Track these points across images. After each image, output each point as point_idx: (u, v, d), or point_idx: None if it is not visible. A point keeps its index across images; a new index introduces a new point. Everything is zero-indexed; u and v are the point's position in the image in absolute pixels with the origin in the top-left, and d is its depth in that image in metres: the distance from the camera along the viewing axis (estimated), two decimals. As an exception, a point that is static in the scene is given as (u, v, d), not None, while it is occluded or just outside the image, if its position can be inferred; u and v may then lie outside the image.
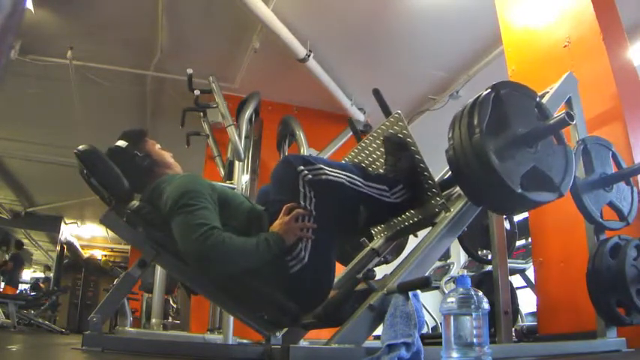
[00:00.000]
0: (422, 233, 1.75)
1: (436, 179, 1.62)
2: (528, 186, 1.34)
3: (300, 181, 1.47)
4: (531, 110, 1.46)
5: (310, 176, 1.47)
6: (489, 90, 1.40)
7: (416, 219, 1.73)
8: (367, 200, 1.58)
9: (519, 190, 1.31)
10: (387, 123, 1.71)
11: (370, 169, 1.80)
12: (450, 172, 1.75)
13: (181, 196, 1.46)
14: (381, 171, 1.74)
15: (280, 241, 1.43)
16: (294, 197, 1.47)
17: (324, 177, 1.48)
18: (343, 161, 1.91)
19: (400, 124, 1.67)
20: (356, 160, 1.87)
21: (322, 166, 1.50)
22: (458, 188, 1.64)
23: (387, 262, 1.99)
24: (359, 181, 1.54)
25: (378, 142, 1.74)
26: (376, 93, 1.84)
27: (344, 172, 1.53)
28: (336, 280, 1.63)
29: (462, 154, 1.35)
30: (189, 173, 1.67)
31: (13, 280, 7.80)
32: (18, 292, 7.89)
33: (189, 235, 1.39)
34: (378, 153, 1.76)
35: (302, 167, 1.47)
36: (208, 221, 1.41)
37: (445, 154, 1.43)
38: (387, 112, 1.79)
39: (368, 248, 1.91)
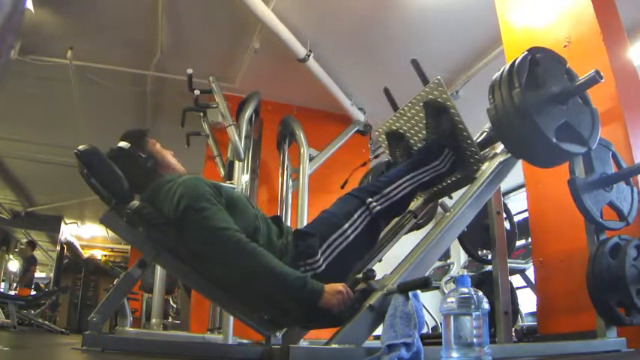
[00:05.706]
0: (425, 229, 1.76)
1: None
2: (562, 138, 1.48)
3: (359, 210, 1.49)
4: (561, 73, 1.60)
5: (379, 207, 1.50)
6: (526, 53, 1.53)
7: (454, 178, 1.84)
8: (424, 184, 1.64)
9: (554, 140, 1.44)
10: (427, 89, 1.81)
11: (409, 134, 1.91)
12: (482, 136, 1.94)
13: (194, 200, 1.44)
14: (420, 136, 1.83)
15: (317, 294, 1.32)
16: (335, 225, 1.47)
17: (387, 203, 1.54)
18: (382, 129, 1.99)
19: (440, 89, 1.77)
20: (394, 127, 1.96)
21: (386, 190, 1.55)
22: (491, 149, 1.79)
23: (419, 227, 2.06)
24: (415, 176, 1.60)
25: (417, 108, 1.85)
26: (414, 63, 1.95)
27: (401, 181, 1.59)
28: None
29: (504, 110, 1.48)
30: (193, 176, 1.64)
31: (27, 282, 7.78)
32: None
33: (214, 237, 1.38)
34: (417, 118, 1.88)
35: (370, 199, 1.51)
36: (230, 224, 1.41)
37: (487, 113, 1.56)
38: (425, 80, 1.89)
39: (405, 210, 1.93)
